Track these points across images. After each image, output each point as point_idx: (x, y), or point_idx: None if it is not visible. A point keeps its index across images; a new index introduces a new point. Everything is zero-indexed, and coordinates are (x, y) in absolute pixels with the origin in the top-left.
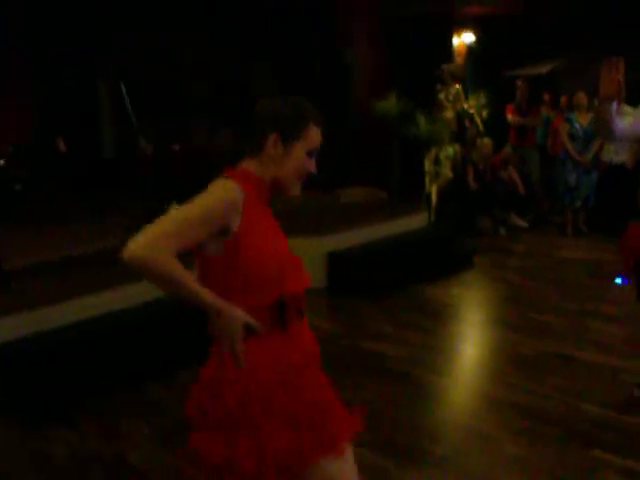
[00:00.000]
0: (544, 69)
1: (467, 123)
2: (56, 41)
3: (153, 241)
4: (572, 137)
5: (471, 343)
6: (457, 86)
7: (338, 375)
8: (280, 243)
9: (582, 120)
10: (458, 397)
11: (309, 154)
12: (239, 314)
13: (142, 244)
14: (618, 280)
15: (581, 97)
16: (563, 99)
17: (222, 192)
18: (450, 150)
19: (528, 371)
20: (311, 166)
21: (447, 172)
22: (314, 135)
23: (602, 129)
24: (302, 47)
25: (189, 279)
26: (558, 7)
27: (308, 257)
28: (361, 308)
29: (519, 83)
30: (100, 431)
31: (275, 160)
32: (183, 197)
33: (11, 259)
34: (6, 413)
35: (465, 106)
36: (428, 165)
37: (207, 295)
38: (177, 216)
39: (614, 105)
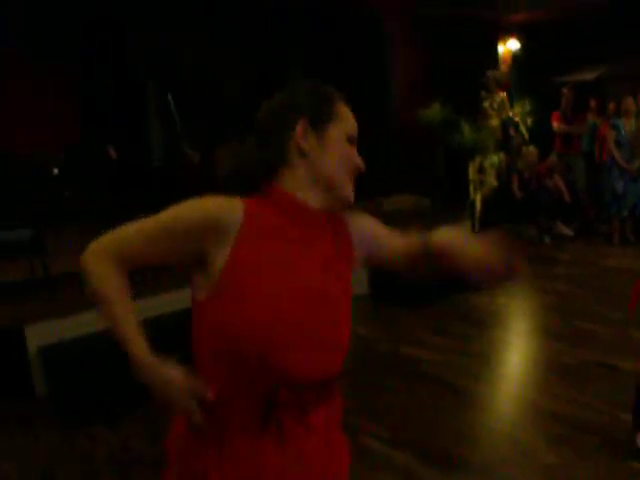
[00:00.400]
0: (590, 75)
1: (512, 131)
2: (101, 42)
3: (101, 248)
4: (619, 144)
5: (514, 351)
6: (502, 94)
7: (378, 380)
8: (303, 297)
9: (629, 126)
10: (499, 405)
11: (349, 140)
12: (169, 376)
13: (90, 250)
14: None
15: (629, 103)
16: (611, 105)
17: (205, 204)
18: (495, 158)
19: (571, 380)
20: (357, 157)
21: (492, 180)
22: (348, 115)
23: None
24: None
25: (119, 307)
26: (604, 12)
27: None
28: (404, 315)
29: (565, 90)
30: (141, 433)
31: (311, 155)
32: None
33: (57, 264)
34: (49, 414)
35: (510, 114)
36: (472, 173)
37: (131, 336)
38: (142, 222)
39: None
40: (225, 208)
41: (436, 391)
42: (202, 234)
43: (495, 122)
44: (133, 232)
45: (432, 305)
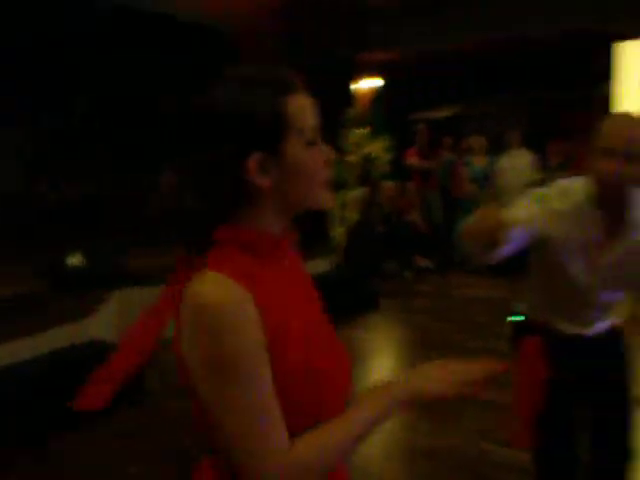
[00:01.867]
0: (445, 113)
1: (371, 167)
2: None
3: (279, 459)
4: (471, 179)
5: (371, 386)
6: (362, 130)
7: None
8: (317, 337)
9: (478, 162)
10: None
11: (311, 142)
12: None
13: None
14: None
15: (474, 140)
16: (464, 143)
17: (225, 310)
18: (356, 193)
19: (431, 414)
20: (324, 153)
21: (353, 215)
22: (301, 111)
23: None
24: None
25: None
26: (458, 55)
27: None
28: None
29: (419, 127)
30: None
31: (274, 188)
32: None
33: None
34: None
35: (369, 150)
36: (334, 208)
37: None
38: (242, 399)
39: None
40: (235, 293)
41: None
42: (258, 333)
43: (355, 158)
44: (253, 409)
45: None
